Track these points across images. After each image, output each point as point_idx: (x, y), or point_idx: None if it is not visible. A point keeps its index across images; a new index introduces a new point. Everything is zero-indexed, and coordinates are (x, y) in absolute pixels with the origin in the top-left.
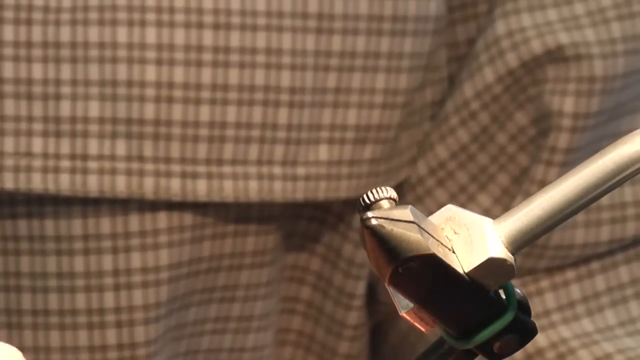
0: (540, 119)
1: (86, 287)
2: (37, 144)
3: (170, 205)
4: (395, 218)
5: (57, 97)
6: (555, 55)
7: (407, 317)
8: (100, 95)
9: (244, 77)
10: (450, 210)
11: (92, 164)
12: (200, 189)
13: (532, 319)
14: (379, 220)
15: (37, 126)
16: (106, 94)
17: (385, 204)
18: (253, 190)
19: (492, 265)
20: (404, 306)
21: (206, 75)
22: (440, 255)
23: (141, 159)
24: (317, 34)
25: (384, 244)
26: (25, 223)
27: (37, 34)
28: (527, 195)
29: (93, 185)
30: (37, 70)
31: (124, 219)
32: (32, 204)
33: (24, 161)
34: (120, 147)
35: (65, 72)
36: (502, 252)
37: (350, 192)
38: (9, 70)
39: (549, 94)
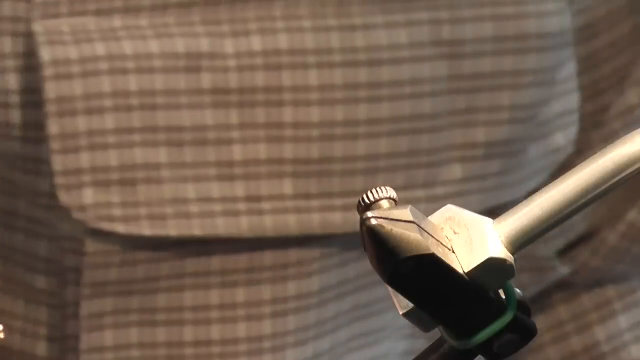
0: None
1: (247, 316)
2: (215, 189)
3: (325, 236)
4: (395, 218)
5: (229, 142)
6: None
7: (407, 317)
8: (267, 137)
9: (394, 110)
10: (450, 210)
11: (266, 205)
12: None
13: None
14: (379, 220)
15: (213, 171)
16: (273, 136)
17: (385, 204)
18: None
19: (492, 265)
20: (404, 306)
21: (363, 111)
22: (440, 255)
23: (308, 196)
24: (450, 60)
25: (384, 244)
26: (194, 261)
27: (206, 81)
28: None
29: (269, 225)
30: (209, 117)
31: (284, 252)
32: (203, 244)
33: (206, 207)
34: (288, 187)
35: (234, 117)
36: (502, 252)
37: (480, 206)
38: (186, 118)
39: None
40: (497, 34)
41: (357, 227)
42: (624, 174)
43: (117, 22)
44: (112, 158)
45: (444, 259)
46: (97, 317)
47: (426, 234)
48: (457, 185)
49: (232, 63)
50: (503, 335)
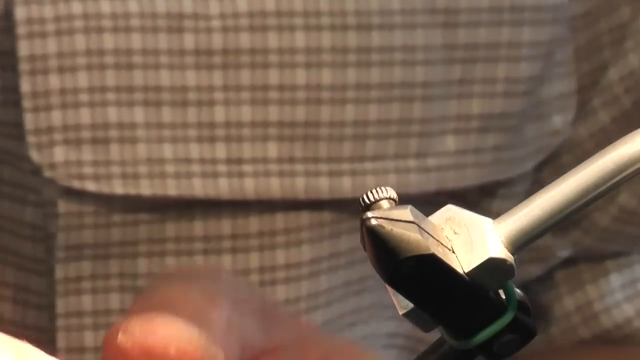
0: None
1: None
2: (194, 150)
3: (313, 203)
4: (395, 218)
5: (211, 103)
6: None
7: (407, 317)
8: (252, 99)
9: (384, 76)
10: (450, 210)
11: (247, 167)
12: (346, 186)
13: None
14: (379, 220)
15: (193, 132)
16: (258, 99)
17: (385, 204)
18: (391, 184)
19: (492, 265)
20: (404, 306)
21: (351, 75)
22: (440, 255)
23: (292, 160)
24: (443, 29)
25: (384, 244)
26: (174, 226)
27: (189, 41)
28: None
29: (250, 188)
30: (191, 78)
31: (271, 218)
32: (182, 207)
33: (183, 167)
34: (272, 150)
35: (218, 78)
36: (502, 252)
37: (475, 180)
38: (165, 78)
39: None
40: (492, 4)
41: (345, 194)
42: (624, 174)
43: None
44: (84, 116)
45: (444, 259)
46: (74, 281)
47: (426, 234)
48: (451, 157)
49: (216, 24)
50: (503, 335)
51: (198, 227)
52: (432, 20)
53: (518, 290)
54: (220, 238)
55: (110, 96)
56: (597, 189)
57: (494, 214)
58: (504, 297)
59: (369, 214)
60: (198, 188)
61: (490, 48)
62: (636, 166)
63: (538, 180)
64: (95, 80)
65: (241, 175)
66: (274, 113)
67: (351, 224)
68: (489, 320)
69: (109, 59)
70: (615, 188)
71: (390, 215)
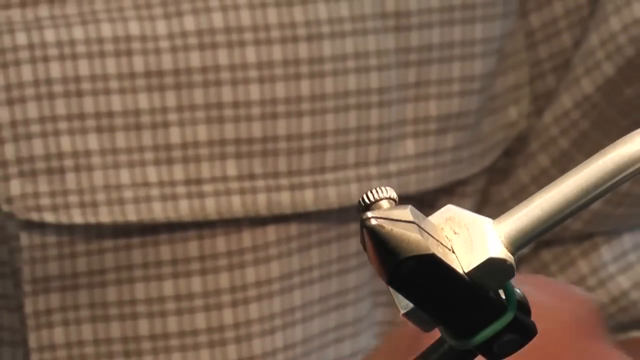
0: None
1: (205, 306)
2: (152, 173)
3: (277, 218)
4: (395, 218)
5: (165, 125)
6: None
7: (407, 317)
8: (207, 118)
9: (338, 85)
10: (450, 210)
11: (207, 187)
12: (308, 199)
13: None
14: (379, 220)
15: (149, 155)
16: (213, 117)
17: (385, 204)
18: (354, 194)
19: (492, 265)
20: (404, 306)
21: (305, 87)
22: (440, 255)
23: (252, 177)
24: (396, 32)
25: (384, 244)
26: (140, 252)
27: (138, 64)
28: None
29: (211, 208)
30: (143, 100)
31: (237, 237)
32: (147, 233)
33: (142, 192)
34: (231, 168)
35: (171, 99)
36: (502, 252)
37: (437, 182)
38: (116, 103)
39: None
40: (443, 3)
41: (308, 207)
42: (624, 174)
43: (43, 12)
44: (37, 147)
45: (444, 259)
46: (44, 314)
47: (426, 234)
48: (411, 161)
49: (164, 44)
50: (503, 335)
51: (165, 251)
52: (383, 25)
53: (518, 290)
54: (188, 260)
55: (62, 125)
56: (597, 189)
57: None
58: (504, 297)
59: (369, 214)
60: (158, 212)
61: (444, 48)
62: (636, 166)
63: (508, 169)
64: (46, 110)
65: (201, 195)
66: (230, 131)
67: (320, 236)
68: (489, 320)
69: (57, 88)
70: (615, 188)
71: (390, 215)
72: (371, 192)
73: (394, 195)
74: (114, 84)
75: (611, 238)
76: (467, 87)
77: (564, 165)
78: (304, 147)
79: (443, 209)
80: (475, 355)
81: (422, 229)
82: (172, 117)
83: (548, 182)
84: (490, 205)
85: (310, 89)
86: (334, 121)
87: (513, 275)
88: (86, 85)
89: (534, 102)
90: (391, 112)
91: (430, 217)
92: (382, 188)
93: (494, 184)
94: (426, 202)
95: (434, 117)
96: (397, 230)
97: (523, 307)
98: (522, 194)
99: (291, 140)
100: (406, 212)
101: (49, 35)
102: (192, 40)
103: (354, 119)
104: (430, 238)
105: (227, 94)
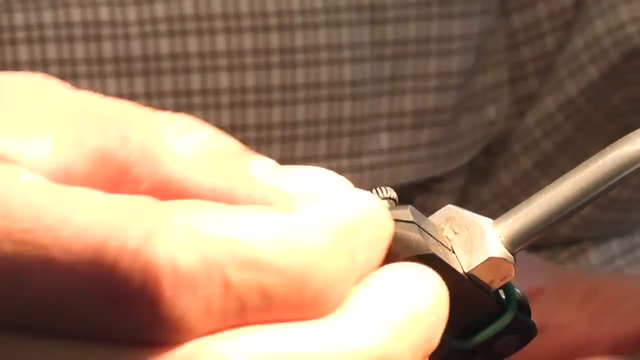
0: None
1: None
2: None
3: None
4: (395, 218)
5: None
6: None
7: None
8: (175, 105)
9: (309, 75)
10: (451, 210)
11: None
12: None
13: None
14: None
15: None
16: (181, 104)
17: (385, 204)
18: None
19: (492, 265)
20: None
21: (276, 77)
22: (440, 255)
23: None
24: (371, 25)
25: None
26: None
27: (107, 49)
28: None
29: None
30: (111, 85)
31: None
32: None
33: None
34: None
35: (139, 85)
36: (501, 252)
37: (411, 177)
38: (84, 88)
39: None
40: None
41: None
42: (624, 174)
43: None
44: None
45: (444, 259)
46: None
47: (426, 234)
48: (385, 155)
49: (134, 30)
50: (503, 335)
51: None
52: (358, 18)
53: (518, 290)
54: None
55: None
56: (597, 189)
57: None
58: (504, 297)
59: None
60: None
61: (421, 43)
62: (636, 166)
63: (490, 170)
64: None
65: None
66: (198, 118)
67: None
68: (489, 320)
69: (25, 71)
70: (615, 188)
71: (390, 215)
72: (371, 192)
73: (394, 195)
74: (81, 69)
75: (599, 243)
76: (443, 83)
77: (546, 168)
78: (273, 137)
79: (443, 209)
80: (476, 355)
81: (422, 229)
82: (140, 103)
83: (530, 185)
84: (470, 205)
85: (281, 78)
86: (305, 112)
87: (513, 276)
88: (54, 69)
89: (516, 104)
90: (365, 105)
91: (430, 217)
92: (382, 188)
93: (475, 185)
94: (402, 198)
95: (410, 112)
96: (397, 230)
97: (523, 307)
98: (503, 196)
99: (261, 129)
100: (406, 212)
101: (18, 18)
102: (162, 27)
103: (325, 111)
104: (430, 238)
105: (195, 81)
